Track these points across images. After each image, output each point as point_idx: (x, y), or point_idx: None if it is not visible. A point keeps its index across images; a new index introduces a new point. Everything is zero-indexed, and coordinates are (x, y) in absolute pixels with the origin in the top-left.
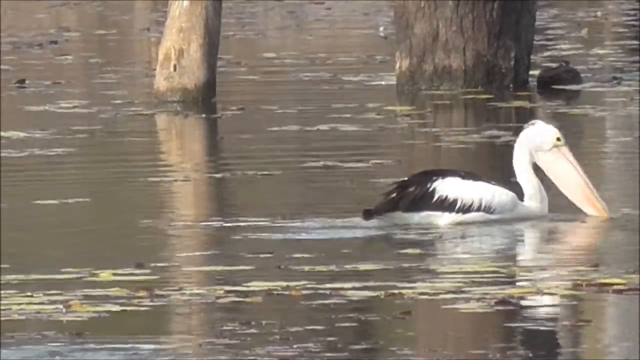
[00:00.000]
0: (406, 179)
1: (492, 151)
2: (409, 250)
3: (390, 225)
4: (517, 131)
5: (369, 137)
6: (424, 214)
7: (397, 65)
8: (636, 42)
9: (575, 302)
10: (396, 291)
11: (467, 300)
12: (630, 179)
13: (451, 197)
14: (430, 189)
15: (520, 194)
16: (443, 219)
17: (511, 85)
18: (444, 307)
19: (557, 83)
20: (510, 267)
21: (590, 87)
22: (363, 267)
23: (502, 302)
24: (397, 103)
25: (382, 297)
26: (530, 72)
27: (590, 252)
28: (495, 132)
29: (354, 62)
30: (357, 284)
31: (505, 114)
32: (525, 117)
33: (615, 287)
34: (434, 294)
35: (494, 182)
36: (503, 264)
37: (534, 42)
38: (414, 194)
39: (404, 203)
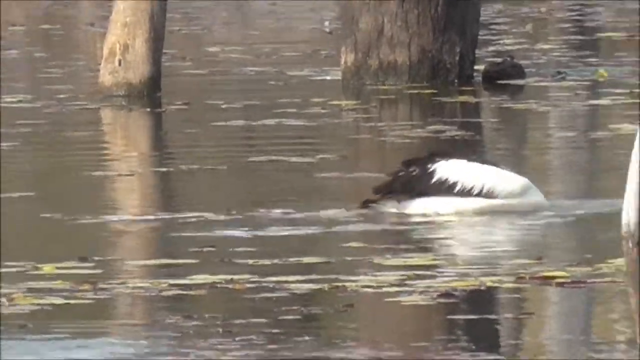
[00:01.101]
0: (409, 160)
1: (437, 146)
2: (353, 244)
3: (386, 214)
4: (461, 126)
5: (314, 132)
6: (426, 201)
7: (343, 60)
8: (580, 37)
9: (518, 295)
10: (339, 284)
11: (410, 293)
12: (574, 173)
13: (452, 179)
14: (431, 170)
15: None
16: (441, 207)
17: (456, 80)
18: (386, 299)
19: (502, 78)
20: (453, 260)
21: (534, 82)
22: (306, 260)
23: (445, 294)
24: (342, 98)
25: (326, 289)
26: (475, 67)
27: (534, 245)
28: (440, 127)
29: (299, 57)
30: (300, 277)
31: (450, 108)
32: (470, 112)
33: (558, 280)
34: (377, 287)
35: (505, 169)
36: (446, 256)
37: (479, 37)
38: (411, 176)
39: (399, 185)
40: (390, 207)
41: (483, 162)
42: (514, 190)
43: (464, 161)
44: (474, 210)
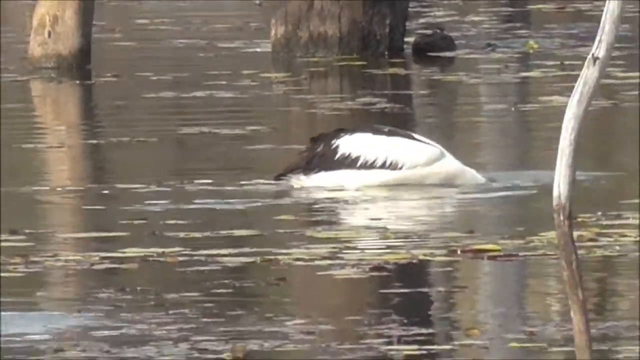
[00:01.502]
0: (316, 137)
1: (367, 118)
2: (284, 217)
3: (297, 187)
4: (391, 98)
5: (244, 104)
6: (330, 174)
7: (273, 32)
8: (510, 9)
9: (450, 268)
10: (272, 257)
11: (343, 266)
12: (504, 145)
13: (355, 154)
14: (334, 146)
15: None
16: (350, 180)
17: (386, 52)
18: (319, 273)
19: (432, 50)
20: (385, 233)
21: (464, 54)
22: (238, 233)
23: (377, 268)
24: (272, 70)
25: (258, 263)
26: (405, 39)
27: (465, 218)
28: (370, 99)
29: (229, 29)
30: (232, 250)
31: (380, 80)
32: (400, 84)
33: (490, 253)
34: (309, 260)
35: (422, 139)
36: (378, 230)
37: (409, 9)
38: (315, 153)
39: (304, 162)
40: (297, 182)
41: (392, 133)
42: (418, 160)
43: (369, 134)
44: (380, 183)
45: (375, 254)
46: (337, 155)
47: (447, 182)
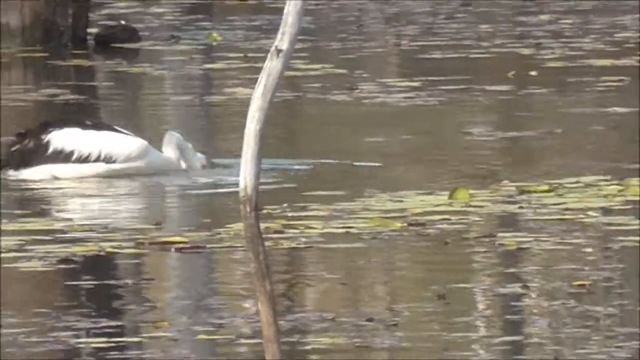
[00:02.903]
0: (23, 132)
1: (50, 109)
2: None
3: (5, 181)
4: (75, 89)
5: None
6: (43, 169)
7: None
8: (192, 1)
9: (138, 261)
10: None
11: (29, 258)
12: (189, 137)
13: (68, 148)
14: (45, 141)
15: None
16: (61, 172)
17: (69, 44)
18: (5, 265)
19: (115, 41)
20: (73, 226)
21: (149, 45)
22: None
23: (65, 260)
24: None
25: None
26: (89, 30)
27: (153, 211)
28: (53, 91)
29: None
30: None
31: (64, 72)
32: (83, 75)
33: (177, 245)
34: None
35: (124, 132)
36: (65, 222)
37: (93, 0)
38: (26, 149)
39: (15, 160)
40: (7, 178)
41: (99, 127)
42: (131, 153)
43: (79, 129)
44: (95, 176)
45: (63, 247)
46: (50, 151)
47: (156, 173)
